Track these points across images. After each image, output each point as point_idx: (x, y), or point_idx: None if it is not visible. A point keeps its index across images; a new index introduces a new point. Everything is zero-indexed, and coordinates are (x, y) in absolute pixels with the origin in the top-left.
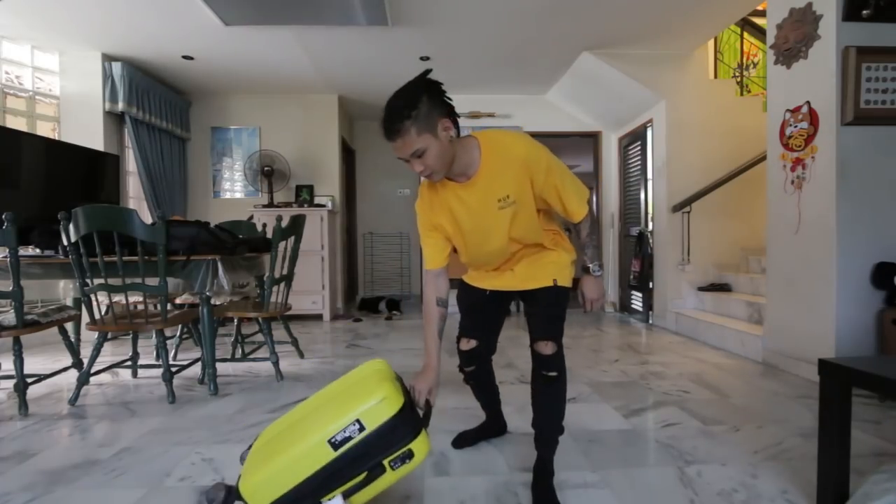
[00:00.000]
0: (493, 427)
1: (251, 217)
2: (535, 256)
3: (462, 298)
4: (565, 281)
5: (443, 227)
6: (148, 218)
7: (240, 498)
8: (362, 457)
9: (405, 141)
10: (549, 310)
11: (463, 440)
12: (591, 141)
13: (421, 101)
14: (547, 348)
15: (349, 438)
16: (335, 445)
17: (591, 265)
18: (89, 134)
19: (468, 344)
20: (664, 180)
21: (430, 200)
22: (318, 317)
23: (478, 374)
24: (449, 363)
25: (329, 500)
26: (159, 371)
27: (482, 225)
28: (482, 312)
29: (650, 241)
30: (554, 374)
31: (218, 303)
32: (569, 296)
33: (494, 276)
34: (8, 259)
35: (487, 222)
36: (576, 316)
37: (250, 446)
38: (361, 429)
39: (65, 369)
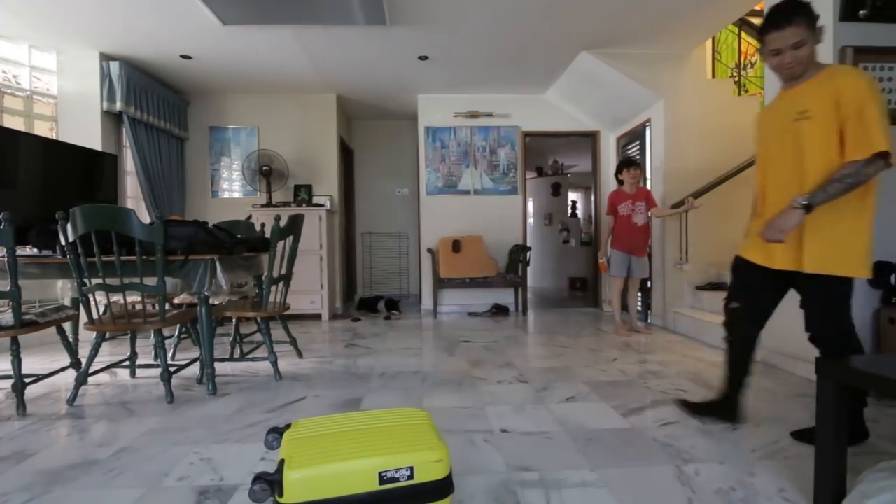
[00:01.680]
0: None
1: (249, 217)
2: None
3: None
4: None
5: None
6: (146, 217)
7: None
8: (397, 500)
9: (795, 31)
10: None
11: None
12: (589, 140)
13: (814, 10)
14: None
15: (396, 479)
16: (382, 480)
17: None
18: (87, 133)
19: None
20: (662, 180)
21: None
22: (317, 316)
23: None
24: (448, 363)
25: None
26: (157, 371)
27: (780, 132)
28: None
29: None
30: None
31: (216, 302)
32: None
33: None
34: (5, 259)
35: (787, 130)
36: (575, 315)
37: (287, 426)
38: (410, 477)
39: (63, 369)
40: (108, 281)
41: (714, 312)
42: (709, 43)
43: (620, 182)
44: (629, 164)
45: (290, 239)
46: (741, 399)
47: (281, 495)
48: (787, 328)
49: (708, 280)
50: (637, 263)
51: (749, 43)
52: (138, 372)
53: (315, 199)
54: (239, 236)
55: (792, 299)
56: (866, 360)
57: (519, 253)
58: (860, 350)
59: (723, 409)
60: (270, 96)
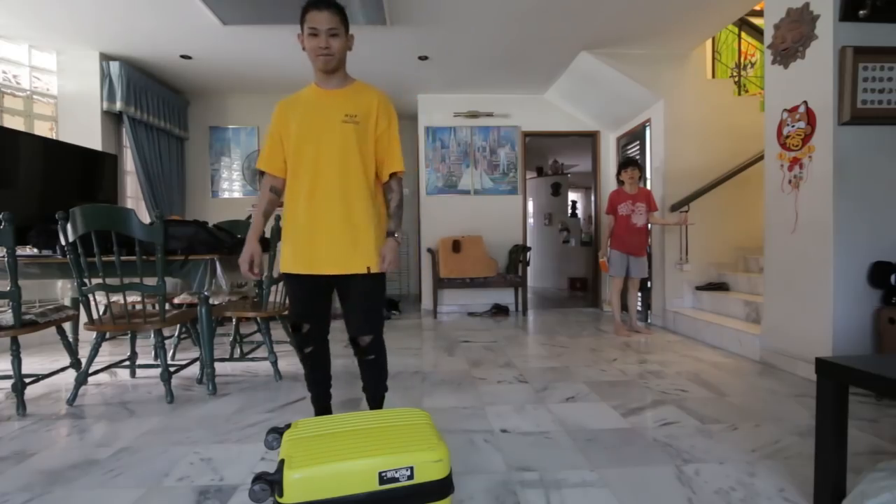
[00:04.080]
0: None
1: (250, 216)
2: (357, 223)
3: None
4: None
5: (289, 135)
6: (146, 217)
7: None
8: (397, 500)
9: (332, 16)
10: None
11: None
12: (589, 140)
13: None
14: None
15: (396, 479)
16: (382, 480)
17: (391, 230)
18: (87, 133)
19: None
20: (662, 180)
21: (288, 107)
22: None
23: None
24: (448, 363)
25: None
26: (157, 371)
27: (326, 130)
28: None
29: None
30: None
31: (216, 302)
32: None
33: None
34: (5, 259)
35: (332, 129)
36: (575, 315)
37: (287, 426)
38: (410, 477)
39: (63, 369)
40: (108, 281)
41: (714, 312)
42: (709, 43)
43: (621, 182)
44: (628, 163)
45: None
46: None
47: (281, 495)
48: (787, 328)
49: (708, 280)
50: (635, 264)
51: (749, 43)
52: (138, 372)
53: None
54: (239, 236)
55: (789, 298)
56: (866, 360)
57: (519, 253)
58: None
59: None
60: (270, 96)
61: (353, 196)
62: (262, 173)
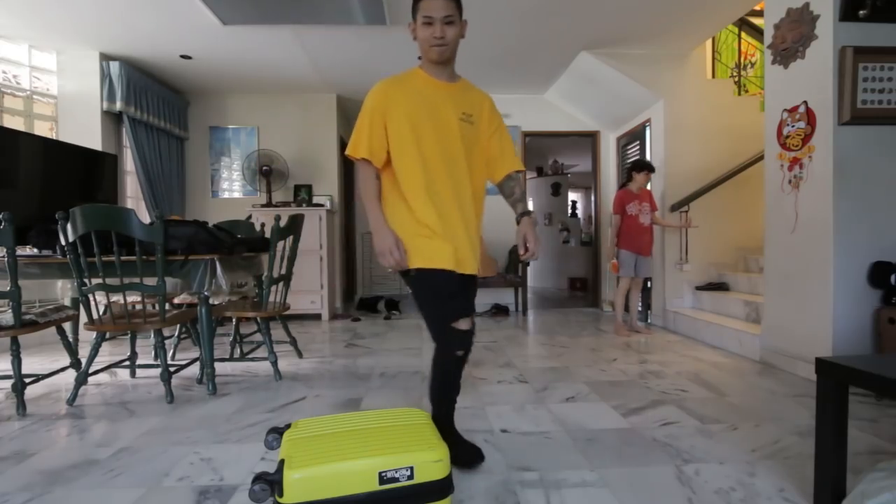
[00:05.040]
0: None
1: (249, 216)
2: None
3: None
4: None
5: (398, 121)
6: (146, 217)
7: (279, 482)
8: (397, 500)
9: (448, 2)
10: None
11: None
12: (589, 140)
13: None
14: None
15: (396, 479)
16: (382, 480)
17: (524, 210)
18: (87, 133)
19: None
20: (662, 180)
21: (397, 89)
22: (317, 316)
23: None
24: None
25: None
26: (157, 371)
27: (445, 126)
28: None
29: None
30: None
31: (216, 302)
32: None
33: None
34: (6, 259)
35: (451, 127)
36: (575, 315)
37: (287, 426)
38: (410, 477)
39: (63, 369)
40: (108, 281)
41: (714, 312)
42: (709, 43)
43: (626, 182)
44: (647, 167)
45: (290, 239)
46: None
47: (281, 495)
48: (787, 328)
49: (708, 280)
50: (643, 263)
51: (749, 43)
52: (138, 372)
53: (315, 199)
54: (239, 236)
55: (789, 298)
56: (866, 359)
57: None
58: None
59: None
60: (270, 96)
61: (477, 196)
62: (364, 161)
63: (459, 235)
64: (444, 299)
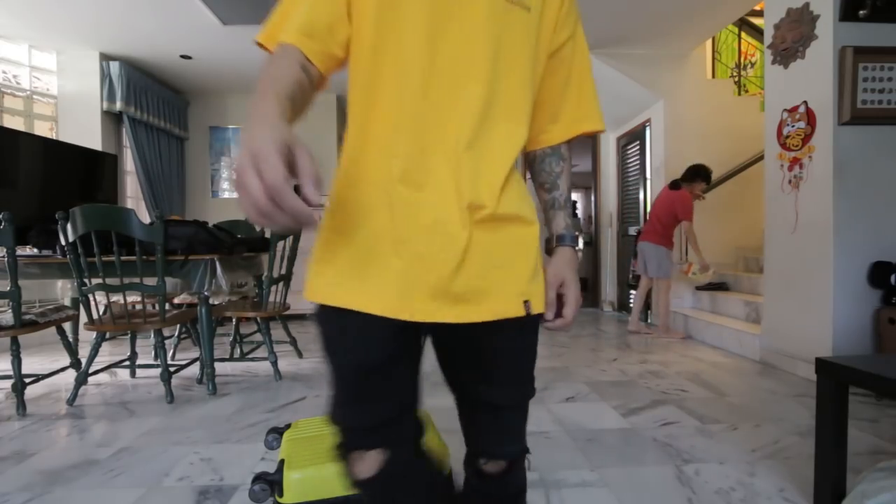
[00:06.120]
0: None
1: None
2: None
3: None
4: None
5: None
6: (146, 218)
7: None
8: None
9: None
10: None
11: None
12: (589, 140)
13: None
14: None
15: None
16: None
17: (567, 233)
18: (87, 133)
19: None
20: (662, 180)
21: None
22: None
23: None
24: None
25: None
26: (157, 371)
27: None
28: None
29: None
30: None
31: (216, 302)
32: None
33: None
34: (6, 259)
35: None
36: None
37: (287, 426)
38: None
39: (63, 369)
40: (108, 281)
41: (714, 312)
42: (709, 43)
43: (678, 185)
44: (708, 177)
45: (290, 239)
46: None
47: (281, 495)
48: (787, 328)
49: (708, 280)
50: None
51: (749, 43)
52: (138, 372)
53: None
54: (239, 236)
55: (789, 299)
56: (866, 359)
57: None
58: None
59: None
60: None
61: (508, 153)
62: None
63: (444, 238)
64: (347, 384)
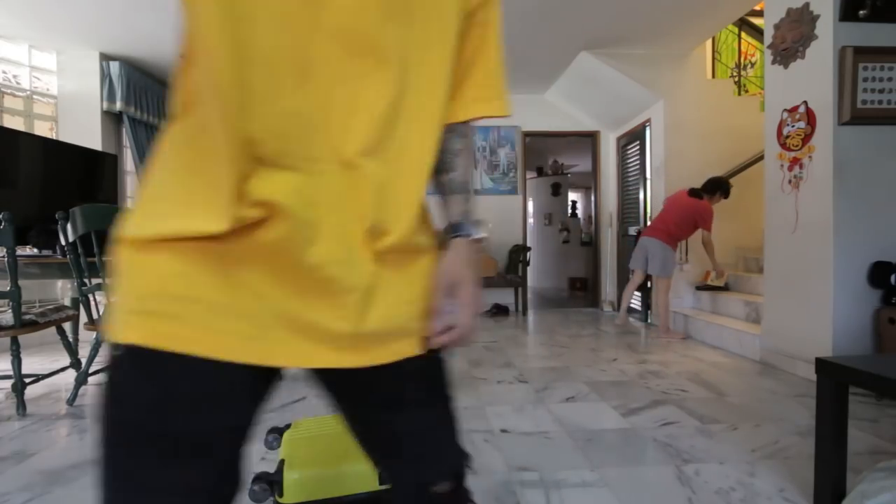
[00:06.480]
0: None
1: None
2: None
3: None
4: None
5: None
6: None
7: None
8: None
9: None
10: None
11: None
12: (589, 141)
13: None
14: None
15: None
16: (383, 480)
17: (463, 220)
18: (87, 133)
19: None
20: (662, 180)
21: None
22: None
23: None
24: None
25: None
26: None
27: None
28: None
29: None
30: None
31: None
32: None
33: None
34: (6, 259)
35: None
36: (575, 315)
37: (287, 426)
38: None
39: (63, 369)
40: (108, 281)
41: (714, 312)
42: (709, 43)
43: (700, 195)
44: (727, 194)
45: None
46: None
47: (281, 495)
48: (787, 328)
49: (724, 283)
50: None
51: (749, 43)
52: None
53: None
54: None
55: (789, 299)
56: (866, 359)
57: (519, 253)
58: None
59: None
60: None
61: (423, 147)
62: None
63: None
64: (135, 458)
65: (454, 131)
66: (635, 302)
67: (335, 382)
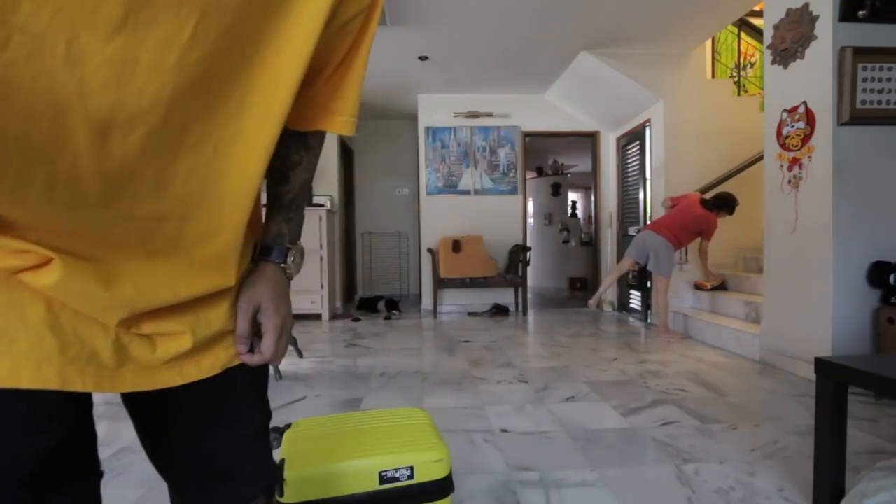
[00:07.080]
0: None
1: None
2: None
3: None
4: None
5: None
6: None
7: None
8: (397, 500)
9: None
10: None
11: None
12: (589, 141)
13: None
14: None
15: (396, 479)
16: (382, 479)
17: (275, 245)
18: None
19: None
20: (662, 180)
21: None
22: (317, 316)
23: None
24: (448, 363)
25: None
26: None
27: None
28: None
29: None
30: None
31: None
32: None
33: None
34: None
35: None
36: (575, 315)
37: (287, 426)
38: (410, 476)
39: None
40: None
41: (714, 312)
42: (709, 43)
43: (714, 210)
44: (732, 211)
45: None
46: None
47: (281, 495)
48: (787, 328)
49: (719, 283)
50: None
51: (749, 43)
52: None
53: (315, 199)
54: None
55: (789, 298)
56: (866, 359)
57: (519, 253)
58: None
59: None
60: None
61: (245, 176)
62: None
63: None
64: None
65: (299, 139)
66: (635, 302)
67: (142, 402)
